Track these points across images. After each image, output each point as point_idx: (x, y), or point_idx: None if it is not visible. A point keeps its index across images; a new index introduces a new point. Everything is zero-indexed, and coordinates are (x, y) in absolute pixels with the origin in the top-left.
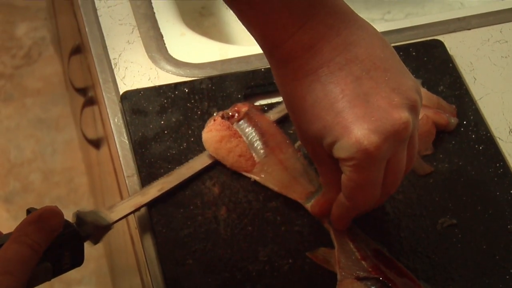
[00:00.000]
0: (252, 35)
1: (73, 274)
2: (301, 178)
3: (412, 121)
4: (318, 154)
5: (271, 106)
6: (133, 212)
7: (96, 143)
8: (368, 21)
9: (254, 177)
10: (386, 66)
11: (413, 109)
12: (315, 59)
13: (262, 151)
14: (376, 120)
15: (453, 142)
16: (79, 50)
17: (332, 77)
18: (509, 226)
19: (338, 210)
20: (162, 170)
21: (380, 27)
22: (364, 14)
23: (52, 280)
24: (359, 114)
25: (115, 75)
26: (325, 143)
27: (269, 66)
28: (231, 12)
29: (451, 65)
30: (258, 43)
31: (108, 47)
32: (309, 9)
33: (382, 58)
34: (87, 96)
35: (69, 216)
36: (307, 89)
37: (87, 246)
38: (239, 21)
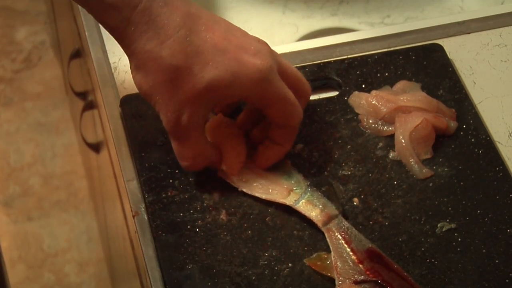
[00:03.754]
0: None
1: (72, 277)
2: (287, 184)
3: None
4: (194, 122)
5: None
6: None
7: (96, 147)
8: (368, 25)
9: (241, 187)
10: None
11: None
12: (176, 13)
13: None
14: (252, 46)
15: (453, 146)
16: (79, 54)
17: (198, 25)
18: (508, 230)
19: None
20: (162, 174)
21: (380, 31)
22: (363, 18)
23: (52, 285)
24: (239, 46)
25: (115, 79)
26: (226, 84)
27: None
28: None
29: (450, 69)
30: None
31: (108, 51)
32: None
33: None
34: (87, 100)
35: (68, 219)
36: (186, 42)
37: (87, 249)
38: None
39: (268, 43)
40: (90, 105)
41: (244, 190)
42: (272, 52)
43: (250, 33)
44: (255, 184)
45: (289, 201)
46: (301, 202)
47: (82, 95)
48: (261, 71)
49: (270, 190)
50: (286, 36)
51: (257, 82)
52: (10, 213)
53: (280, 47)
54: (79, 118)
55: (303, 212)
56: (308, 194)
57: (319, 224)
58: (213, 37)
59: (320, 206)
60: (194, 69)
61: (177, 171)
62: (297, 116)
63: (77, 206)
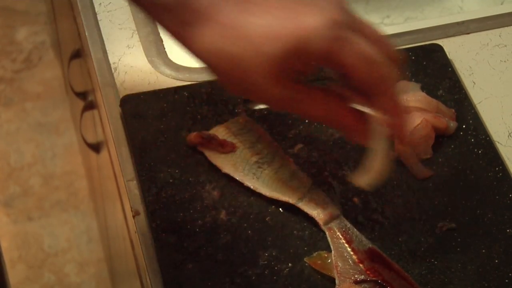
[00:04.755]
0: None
1: (72, 277)
2: (291, 182)
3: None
4: (291, 95)
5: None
6: None
7: (96, 147)
8: None
9: (246, 183)
10: None
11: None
12: (229, 0)
13: None
14: (315, 5)
15: (452, 146)
16: (79, 54)
17: (253, 4)
18: (508, 230)
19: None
20: (162, 174)
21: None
22: (363, 17)
23: (53, 285)
24: (301, 9)
25: (115, 79)
26: (295, 53)
27: None
28: None
29: (450, 69)
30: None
31: (108, 52)
32: None
33: None
34: (87, 100)
35: (68, 219)
36: (243, 24)
37: (87, 249)
38: None
39: None
40: (90, 105)
41: (250, 186)
42: (346, 7)
43: None
44: (260, 181)
45: (292, 199)
46: (303, 200)
47: (82, 95)
48: (328, 29)
49: (275, 188)
50: None
51: (326, 41)
52: (10, 213)
53: None
54: (79, 118)
55: (305, 210)
56: (311, 193)
57: (321, 223)
58: (270, 9)
59: (322, 205)
60: (258, 48)
61: (177, 171)
62: (383, 69)
63: (77, 206)
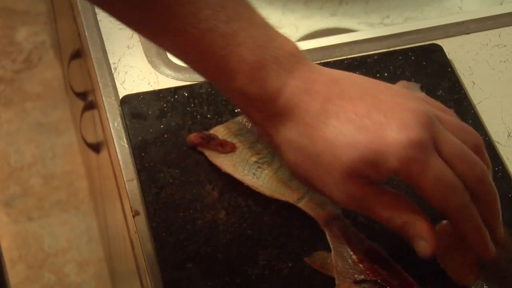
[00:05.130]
0: (235, 99)
1: (72, 277)
2: (291, 182)
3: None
4: (364, 195)
5: None
6: None
7: (96, 147)
8: (367, 26)
9: (246, 182)
10: (374, 92)
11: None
12: (316, 99)
13: None
14: (398, 119)
15: None
16: (79, 54)
17: (338, 107)
18: (508, 230)
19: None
20: (162, 174)
21: (379, 31)
22: (363, 19)
23: (53, 285)
24: (383, 122)
25: (115, 79)
26: (370, 164)
27: None
28: None
29: (449, 69)
30: (244, 104)
31: (108, 52)
32: (293, 58)
33: (366, 84)
34: (87, 100)
35: (68, 219)
36: (325, 127)
37: (87, 249)
38: None
39: None
40: (90, 105)
41: (250, 186)
42: (429, 122)
43: None
44: (260, 181)
45: (291, 199)
46: (303, 200)
47: (82, 95)
48: (405, 149)
49: (275, 188)
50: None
51: (403, 160)
52: (10, 213)
53: None
54: (79, 119)
55: (305, 210)
56: (311, 193)
57: (321, 223)
58: (354, 117)
59: (322, 205)
60: (336, 152)
61: (177, 171)
62: (458, 197)
63: (78, 206)
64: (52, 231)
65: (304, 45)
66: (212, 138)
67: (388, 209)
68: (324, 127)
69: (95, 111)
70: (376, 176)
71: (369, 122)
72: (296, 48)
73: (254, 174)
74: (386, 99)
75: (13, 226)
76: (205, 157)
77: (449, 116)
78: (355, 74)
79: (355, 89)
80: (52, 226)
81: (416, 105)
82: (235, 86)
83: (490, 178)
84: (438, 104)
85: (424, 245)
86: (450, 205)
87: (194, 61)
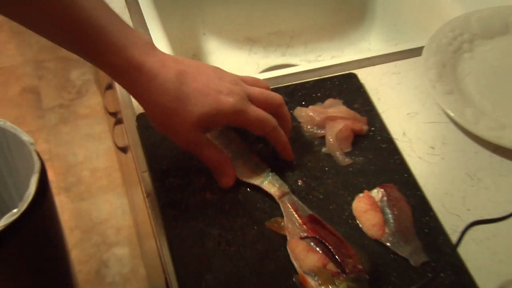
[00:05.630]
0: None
1: (112, 238)
2: (256, 170)
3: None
4: (200, 141)
5: None
6: None
7: (124, 150)
8: (306, 62)
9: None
10: (207, 70)
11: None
12: (170, 71)
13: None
14: (226, 88)
15: (365, 142)
16: (111, 87)
17: (187, 78)
18: (408, 193)
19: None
20: (165, 168)
21: (314, 65)
22: (303, 57)
23: (99, 243)
24: (217, 90)
25: (132, 103)
26: (212, 117)
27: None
28: (218, 56)
29: (362, 90)
30: (114, 72)
31: None
32: (148, 45)
33: (198, 64)
34: (117, 117)
35: (108, 199)
36: (180, 91)
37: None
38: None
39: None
40: (119, 121)
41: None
42: (242, 89)
43: (226, 69)
44: (239, 171)
45: (256, 182)
46: (265, 182)
47: (114, 114)
48: (234, 106)
49: (245, 174)
50: (251, 70)
51: (233, 113)
52: (69, 195)
53: None
54: (112, 130)
55: (266, 189)
56: (270, 177)
57: (276, 198)
58: (197, 86)
59: (277, 185)
60: (187, 108)
61: (176, 165)
62: (269, 125)
63: (114, 190)
64: (97, 207)
65: (264, 76)
66: None
67: (210, 152)
68: (179, 91)
69: (122, 125)
70: (213, 126)
71: (209, 90)
72: (150, 39)
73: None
74: (215, 76)
75: (71, 205)
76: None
77: (258, 85)
78: (187, 58)
79: (193, 67)
80: (97, 204)
81: (234, 79)
82: (107, 60)
83: (285, 107)
84: (254, 79)
85: (226, 180)
86: (267, 130)
87: (77, 44)
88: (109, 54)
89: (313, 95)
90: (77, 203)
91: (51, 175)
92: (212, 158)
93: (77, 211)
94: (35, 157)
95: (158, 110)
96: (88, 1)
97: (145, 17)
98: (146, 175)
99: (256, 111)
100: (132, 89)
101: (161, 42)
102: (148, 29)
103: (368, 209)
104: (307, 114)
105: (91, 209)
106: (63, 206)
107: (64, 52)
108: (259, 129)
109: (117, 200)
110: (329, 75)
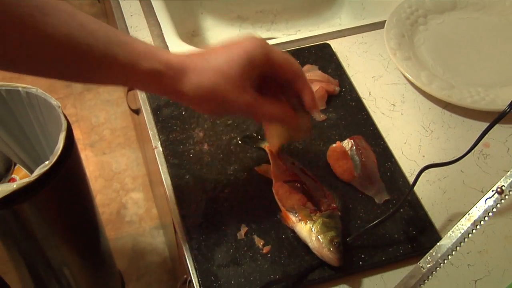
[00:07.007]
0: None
1: (129, 185)
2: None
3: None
4: (256, 99)
5: None
6: None
7: (136, 112)
8: (288, 36)
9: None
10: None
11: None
12: (194, 59)
13: None
14: (248, 40)
15: (337, 100)
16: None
17: (210, 54)
18: (373, 142)
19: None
20: (169, 124)
21: (294, 37)
22: (285, 32)
23: (118, 190)
24: (241, 44)
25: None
26: (247, 63)
27: None
28: (214, 32)
29: (334, 57)
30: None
31: None
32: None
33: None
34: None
35: (126, 153)
36: (209, 65)
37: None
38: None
39: None
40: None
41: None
42: (263, 39)
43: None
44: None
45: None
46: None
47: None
48: (261, 44)
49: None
50: None
51: (264, 52)
52: (93, 150)
53: None
54: (126, 95)
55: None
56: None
57: (267, 150)
58: (221, 51)
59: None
60: (226, 74)
61: (178, 122)
62: (296, 65)
63: (130, 145)
64: (117, 160)
65: None
66: None
67: (272, 106)
68: (210, 65)
69: (134, 91)
70: (252, 72)
71: (232, 46)
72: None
73: None
74: (228, 41)
75: (95, 158)
76: (197, 113)
77: None
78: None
79: (206, 49)
80: (117, 157)
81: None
82: (143, 71)
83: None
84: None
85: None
86: (296, 70)
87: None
88: (143, 62)
89: None
90: (100, 156)
91: (77, 134)
92: (274, 110)
93: (100, 163)
94: (62, 118)
95: (203, 92)
96: (96, 23)
97: None
98: (154, 131)
99: (282, 53)
100: (173, 89)
101: (164, 20)
102: (153, 8)
103: (340, 157)
104: None
105: (111, 161)
106: (89, 159)
107: None
108: (287, 69)
109: (132, 154)
110: (306, 45)
